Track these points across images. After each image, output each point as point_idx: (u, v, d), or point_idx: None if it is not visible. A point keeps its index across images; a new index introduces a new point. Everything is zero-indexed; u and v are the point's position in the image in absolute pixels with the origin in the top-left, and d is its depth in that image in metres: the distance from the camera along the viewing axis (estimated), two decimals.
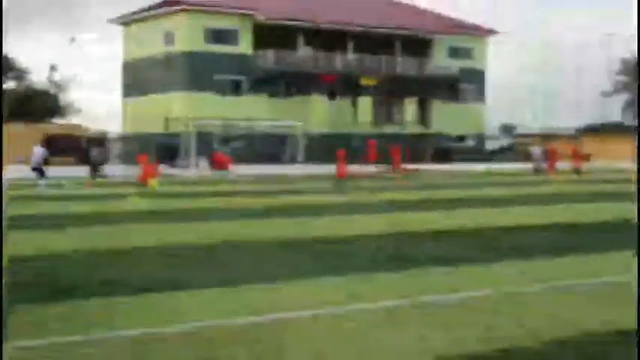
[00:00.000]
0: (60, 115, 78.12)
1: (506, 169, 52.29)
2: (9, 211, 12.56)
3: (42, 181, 29.18)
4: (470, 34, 73.84)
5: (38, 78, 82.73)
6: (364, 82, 66.60)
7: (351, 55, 67.37)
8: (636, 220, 13.70)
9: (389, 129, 68.51)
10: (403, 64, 69.10)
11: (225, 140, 61.28)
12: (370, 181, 36.45)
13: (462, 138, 72.65)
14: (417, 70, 69.60)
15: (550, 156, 47.54)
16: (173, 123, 58.31)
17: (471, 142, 73.23)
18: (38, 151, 30.43)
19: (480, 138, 74.52)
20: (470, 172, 46.51)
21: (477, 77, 73.42)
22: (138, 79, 65.69)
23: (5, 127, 63.21)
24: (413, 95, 70.11)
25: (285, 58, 64.39)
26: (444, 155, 67.98)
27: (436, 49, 71.83)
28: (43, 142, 34.15)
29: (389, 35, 69.13)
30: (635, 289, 8.42)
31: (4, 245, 6.87)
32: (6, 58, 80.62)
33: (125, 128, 68.06)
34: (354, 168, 40.84)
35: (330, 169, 41.93)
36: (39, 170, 29.75)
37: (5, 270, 6.76)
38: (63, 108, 78.30)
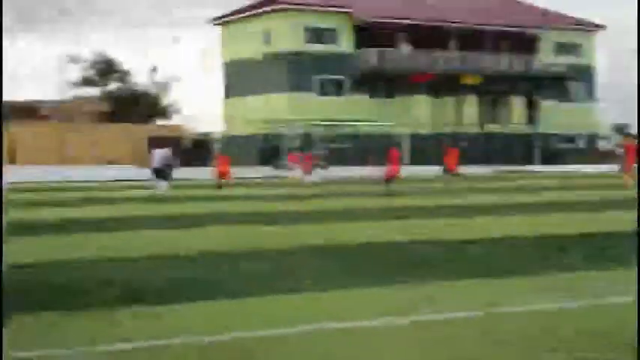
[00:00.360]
0: (161, 116, 78.92)
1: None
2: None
3: (162, 183, 28.99)
4: (577, 30, 71.26)
5: (140, 80, 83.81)
6: (467, 80, 64.86)
7: (454, 53, 65.74)
8: None
9: (494, 129, 66.71)
10: (508, 62, 67.08)
11: (328, 141, 60.51)
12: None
13: (571, 138, 70.14)
14: (523, 67, 67.47)
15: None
16: (274, 124, 57.83)
17: (581, 143, 70.63)
18: (159, 153, 30.30)
19: (592, 138, 71.80)
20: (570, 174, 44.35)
21: (586, 74, 70.77)
22: (238, 79, 65.50)
23: (109, 128, 64.06)
24: (519, 94, 68.01)
25: (386, 56, 63.23)
26: (553, 156, 65.68)
27: (542, 46, 69.54)
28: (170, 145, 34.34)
29: (493, 32, 67.17)
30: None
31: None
32: (109, 60, 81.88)
33: (226, 129, 68.03)
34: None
35: (435, 170, 40.59)
36: (161, 172, 29.60)
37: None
38: (164, 109, 78.94)
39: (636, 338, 6.20)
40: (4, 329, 6.12)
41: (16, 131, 56.62)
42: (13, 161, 53.89)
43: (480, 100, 66.85)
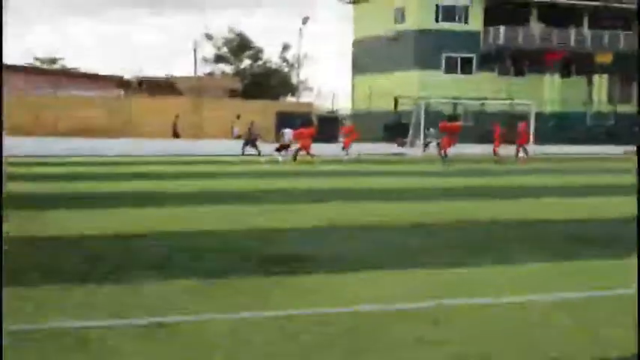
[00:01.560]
0: (292, 94, 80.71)
1: None
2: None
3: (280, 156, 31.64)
4: None
5: (272, 57, 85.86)
6: (599, 59, 63.79)
7: (586, 31, 64.76)
8: None
9: (626, 108, 65.54)
10: None
11: (454, 118, 60.81)
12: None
13: None
14: None
15: None
16: (403, 101, 58.52)
17: None
18: (288, 134, 32.85)
19: None
20: None
21: None
22: (368, 57, 66.42)
23: (242, 104, 66.16)
24: None
25: (516, 34, 62.88)
26: None
27: None
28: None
29: (626, 10, 65.79)
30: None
31: None
32: (243, 37, 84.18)
33: (355, 106, 69.19)
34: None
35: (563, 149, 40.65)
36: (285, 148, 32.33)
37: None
38: (295, 86, 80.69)
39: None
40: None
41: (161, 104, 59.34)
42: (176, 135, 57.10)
43: (611, 79, 65.65)
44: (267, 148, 34.95)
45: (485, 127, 59.33)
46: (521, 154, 37.24)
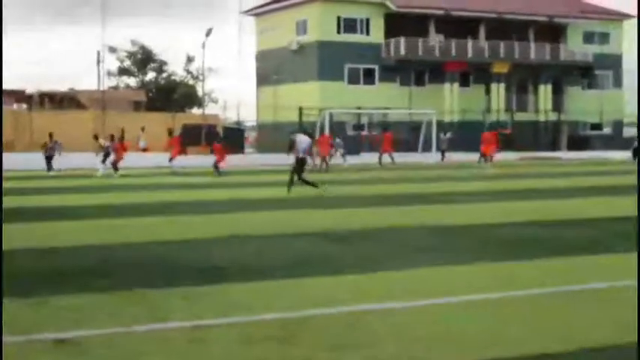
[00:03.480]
0: (198, 106, 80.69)
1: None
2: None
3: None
4: (605, 19, 72.03)
5: (176, 70, 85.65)
6: (497, 69, 65.88)
7: (483, 42, 66.82)
8: None
9: (522, 116, 67.80)
10: (537, 50, 68.05)
11: (358, 128, 61.96)
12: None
13: (598, 125, 71.07)
14: (551, 56, 68.42)
15: None
16: (307, 112, 59.25)
17: (608, 130, 71.54)
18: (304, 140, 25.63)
19: (618, 125, 72.66)
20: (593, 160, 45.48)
21: (613, 63, 71.59)
22: (271, 68, 67.00)
23: (146, 116, 66.07)
24: (547, 82, 68.93)
25: (416, 46, 64.46)
26: (580, 143, 66.77)
27: (570, 35, 70.48)
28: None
29: (522, 21, 68.20)
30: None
31: None
32: (146, 50, 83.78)
33: (260, 117, 69.65)
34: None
35: (467, 157, 41.97)
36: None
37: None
38: (200, 98, 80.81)
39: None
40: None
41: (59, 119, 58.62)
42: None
43: (508, 88, 67.82)
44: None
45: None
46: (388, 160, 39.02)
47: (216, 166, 32.50)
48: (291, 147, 23.01)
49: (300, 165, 22.23)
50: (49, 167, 32.84)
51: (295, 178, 22.10)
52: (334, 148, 40.03)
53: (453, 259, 10.56)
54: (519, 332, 6.77)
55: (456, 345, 6.43)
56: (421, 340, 6.53)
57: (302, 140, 22.75)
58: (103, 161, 32.18)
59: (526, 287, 8.64)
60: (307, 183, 22.05)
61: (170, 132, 38.40)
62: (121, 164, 32.15)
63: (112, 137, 33.85)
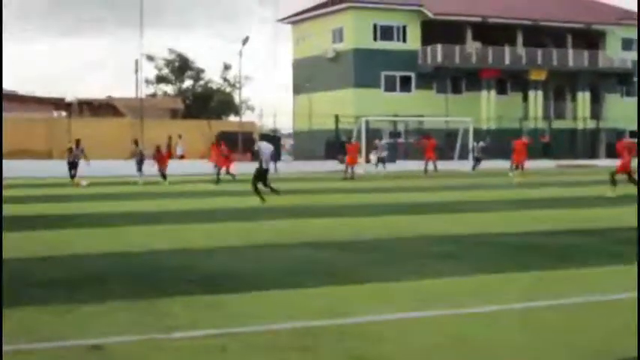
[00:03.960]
0: (234, 113, 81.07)
1: None
2: None
3: None
4: None
5: (213, 77, 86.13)
6: (534, 76, 65.46)
7: (520, 49, 66.43)
8: None
9: (560, 124, 67.29)
10: (575, 58, 67.50)
11: (394, 136, 61.82)
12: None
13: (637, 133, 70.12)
14: (589, 62, 67.82)
15: None
16: (343, 119, 59.30)
17: None
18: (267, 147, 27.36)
19: None
20: None
21: None
22: (307, 76, 67.14)
23: (183, 124, 66.54)
24: (585, 89, 68.31)
25: (453, 53, 64.25)
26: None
27: (609, 41, 69.82)
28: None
29: (559, 28, 67.73)
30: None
31: None
32: (183, 57, 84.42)
33: (296, 125, 69.81)
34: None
35: (501, 164, 41.67)
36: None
37: None
38: (237, 106, 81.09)
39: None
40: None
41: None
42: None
43: (545, 96, 67.32)
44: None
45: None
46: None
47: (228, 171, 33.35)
48: (255, 155, 22.07)
49: (260, 174, 21.03)
50: (73, 174, 31.72)
51: (260, 185, 21.03)
52: (377, 149, 39.85)
53: (472, 268, 10.46)
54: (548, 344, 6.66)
55: (481, 356, 6.35)
56: (441, 348, 6.47)
57: (265, 147, 21.34)
58: (139, 169, 32.33)
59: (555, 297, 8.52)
60: (256, 191, 20.96)
61: (217, 140, 37.77)
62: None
63: (157, 148, 33.69)
